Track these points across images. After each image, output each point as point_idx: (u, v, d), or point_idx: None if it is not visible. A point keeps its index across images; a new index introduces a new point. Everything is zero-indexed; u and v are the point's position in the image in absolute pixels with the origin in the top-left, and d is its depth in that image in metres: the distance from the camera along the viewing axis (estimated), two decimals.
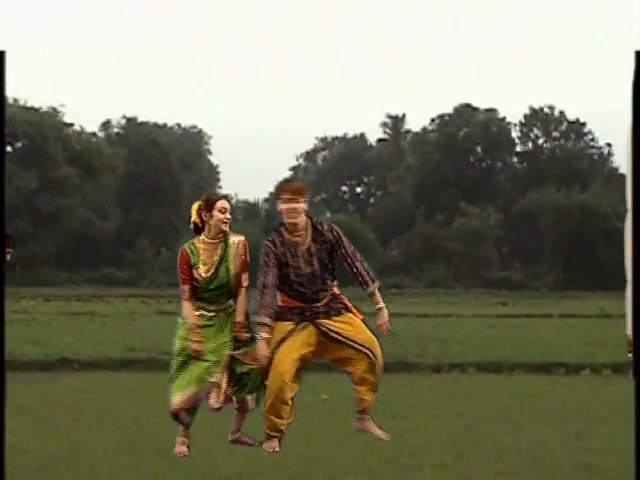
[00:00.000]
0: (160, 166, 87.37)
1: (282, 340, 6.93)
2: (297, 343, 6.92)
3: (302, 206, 6.99)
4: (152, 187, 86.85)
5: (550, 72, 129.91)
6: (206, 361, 6.93)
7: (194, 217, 7.12)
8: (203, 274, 6.98)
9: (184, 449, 7.00)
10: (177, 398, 6.95)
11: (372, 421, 6.98)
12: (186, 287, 7.08)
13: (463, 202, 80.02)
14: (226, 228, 7.01)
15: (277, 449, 6.83)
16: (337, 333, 6.98)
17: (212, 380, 6.90)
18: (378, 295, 6.97)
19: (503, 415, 11.01)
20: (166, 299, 47.51)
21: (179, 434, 7.04)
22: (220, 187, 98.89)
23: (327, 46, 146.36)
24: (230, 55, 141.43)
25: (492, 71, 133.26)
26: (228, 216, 7.02)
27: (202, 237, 7.07)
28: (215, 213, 6.98)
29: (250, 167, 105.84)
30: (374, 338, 6.96)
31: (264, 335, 6.81)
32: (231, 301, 7.04)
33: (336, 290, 7.11)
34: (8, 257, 8.36)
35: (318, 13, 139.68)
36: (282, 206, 6.97)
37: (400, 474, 6.96)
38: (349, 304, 7.14)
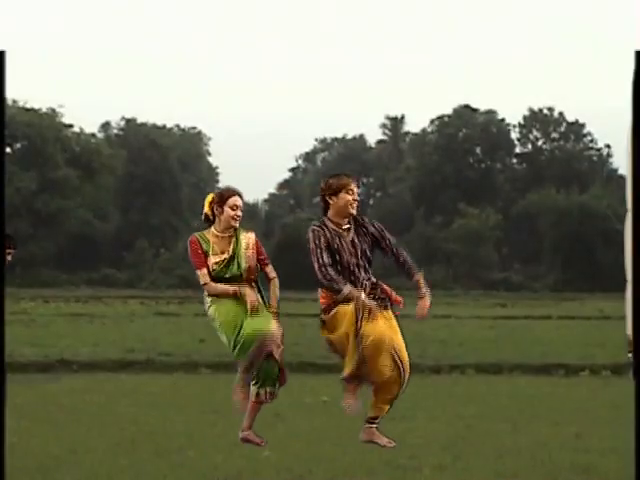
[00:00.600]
0: (159, 167, 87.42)
1: (358, 321, 7.01)
2: (377, 321, 7.00)
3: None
4: (151, 188, 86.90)
5: (549, 73, 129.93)
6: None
7: (206, 209, 7.20)
8: (214, 265, 7.02)
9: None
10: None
11: (378, 431, 7.05)
12: (204, 270, 7.02)
13: (462, 203, 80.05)
14: (236, 224, 7.10)
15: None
16: None
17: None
18: (423, 282, 7.06)
19: (503, 416, 11.01)
20: (165, 300, 47.51)
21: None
22: (219, 188, 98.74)
23: (326, 47, 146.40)
24: (229, 56, 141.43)
25: (491, 72, 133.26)
26: (239, 213, 7.11)
27: (212, 230, 7.14)
28: (226, 209, 7.06)
29: (249, 168, 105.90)
30: (405, 349, 7.06)
31: (359, 294, 6.86)
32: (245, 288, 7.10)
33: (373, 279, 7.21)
34: (9, 258, 8.35)
35: (317, 15, 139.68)
36: (348, 197, 7.12)
37: (399, 475, 6.96)
38: (389, 290, 7.23)
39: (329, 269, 6.98)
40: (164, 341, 20.88)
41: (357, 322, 6.97)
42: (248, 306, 6.91)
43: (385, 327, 6.97)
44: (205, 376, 15.64)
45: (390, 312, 7.16)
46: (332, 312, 7.01)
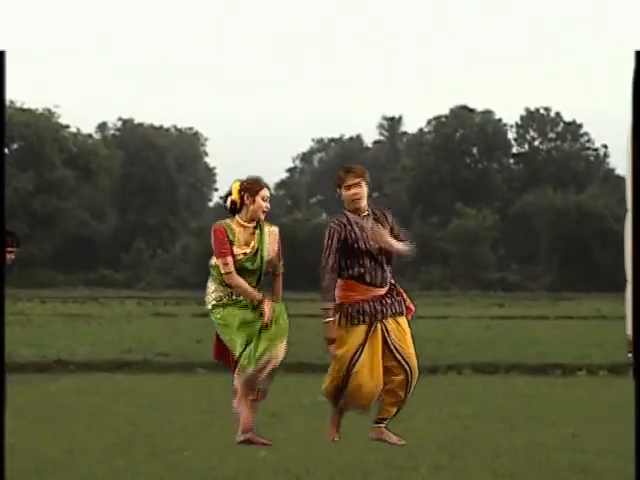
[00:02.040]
0: (156, 168, 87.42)
1: (361, 347, 7.02)
2: (376, 349, 7.04)
3: (365, 190, 7.09)
4: (148, 189, 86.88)
5: (546, 73, 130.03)
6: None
7: (235, 196, 7.12)
8: (240, 256, 6.99)
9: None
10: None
11: (387, 429, 7.13)
12: (229, 258, 6.96)
13: (459, 203, 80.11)
14: (263, 217, 7.10)
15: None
16: (393, 342, 7.08)
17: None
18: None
19: (499, 416, 11.01)
20: (162, 301, 47.49)
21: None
22: (216, 189, 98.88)
23: (323, 48, 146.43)
24: (226, 57, 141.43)
25: (488, 73, 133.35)
26: (268, 205, 7.13)
27: (237, 219, 7.08)
28: (258, 199, 7.05)
29: (246, 168, 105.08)
30: (414, 353, 7.08)
31: (331, 318, 6.94)
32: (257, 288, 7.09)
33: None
34: (12, 256, 8.32)
35: (314, 15, 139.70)
36: (348, 193, 7.12)
37: (397, 475, 6.96)
38: (404, 294, 7.27)
39: (329, 278, 6.98)
40: (161, 342, 20.87)
41: (354, 354, 7.00)
42: (265, 319, 6.90)
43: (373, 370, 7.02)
44: (202, 377, 15.63)
45: (404, 318, 7.17)
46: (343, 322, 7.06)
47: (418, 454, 7.59)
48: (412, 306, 7.26)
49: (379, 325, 7.04)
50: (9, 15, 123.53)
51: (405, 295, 7.27)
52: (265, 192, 7.11)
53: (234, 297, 6.99)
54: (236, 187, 7.12)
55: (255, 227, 7.08)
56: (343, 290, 7.05)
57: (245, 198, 7.06)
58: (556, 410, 11.75)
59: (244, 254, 7.00)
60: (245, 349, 6.92)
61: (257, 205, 7.03)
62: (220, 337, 7.07)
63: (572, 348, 20.31)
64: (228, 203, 7.16)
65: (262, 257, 7.05)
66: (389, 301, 7.09)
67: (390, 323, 7.08)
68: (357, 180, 7.06)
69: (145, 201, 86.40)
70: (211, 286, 7.07)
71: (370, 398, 7.13)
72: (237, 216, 7.08)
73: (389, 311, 7.08)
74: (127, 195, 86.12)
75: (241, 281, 6.92)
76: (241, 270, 6.96)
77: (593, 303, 46.26)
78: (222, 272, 6.93)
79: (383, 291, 7.08)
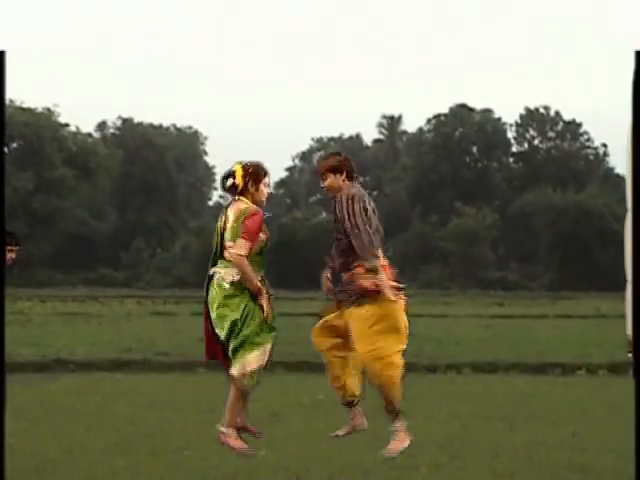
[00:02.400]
0: (156, 167, 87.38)
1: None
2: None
3: (329, 182, 7.11)
4: (148, 188, 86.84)
5: (546, 73, 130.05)
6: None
7: (239, 180, 7.08)
8: (264, 242, 7.00)
9: None
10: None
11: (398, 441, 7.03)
12: (252, 245, 6.94)
13: (459, 202, 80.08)
14: (264, 202, 7.13)
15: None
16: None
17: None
18: None
19: (499, 415, 11.01)
20: (162, 300, 47.47)
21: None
22: (216, 188, 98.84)
23: (323, 47, 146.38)
24: (226, 56, 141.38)
25: (488, 72, 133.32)
26: (270, 190, 7.18)
27: (250, 203, 7.08)
28: (261, 187, 7.06)
29: None
30: (373, 351, 6.77)
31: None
32: None
33: (361, 269, 6.91)
34: (13, 255, 8.32)
35: (314, 14, 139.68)
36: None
37: (396, 474, 6.96)
38: (374, 286, 6.86)
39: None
40: (161, 341, 20.87)
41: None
42: (265, 315, 6.85)
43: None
44: (202, 376, 15.62)
45: (369, 306, 6.90)
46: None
47: (418, 453, 7.58)
48: (393, 299, 6.97)
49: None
50: (9, 15, 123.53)
51: (374, 287, 7.02)
52: (267, 179, 7.15)
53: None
54: (239, 171, 7.08)
55: None
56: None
57: (249, 184, 7.07)
58: (556, 409, 11.76)
59: (265, 240, 7.04)
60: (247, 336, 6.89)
61: (261, 192, 7.06)
62: (217, 332, 6.98)
63: (572, 347, 20.31)
64: (228, 184, 7.14)
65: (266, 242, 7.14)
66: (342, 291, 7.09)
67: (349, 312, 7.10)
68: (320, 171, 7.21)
69: (145, 200, 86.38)
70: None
71: None
72: (243, 199, 7.07)
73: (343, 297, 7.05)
74: (127, 194, 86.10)
75: (249, 270, 6.90)
76: (258, 254, 6.97)
77: (592, 302, 46.24)
78: (238, 253, 6.84)
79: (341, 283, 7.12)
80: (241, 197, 7.03)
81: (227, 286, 6.86)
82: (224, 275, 6.88)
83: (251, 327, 6.79)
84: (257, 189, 7.03)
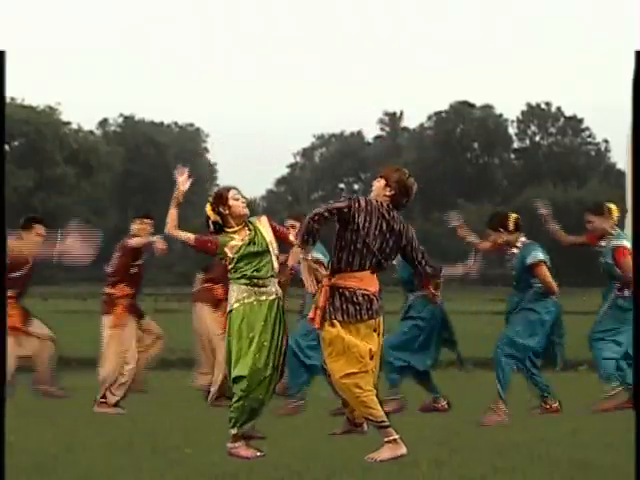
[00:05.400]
0: (157, 164, 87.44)
1: None
2: None
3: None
4: (149, 185, 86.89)
5: (547, 68, 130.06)
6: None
7: (212, 216, 7.17)
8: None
9: None
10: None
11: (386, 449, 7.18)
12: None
13: (460, 199, 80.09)
14: (247, 211, 7.17)
15: None
16: None
17: None
18: None
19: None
20: (164, 297, 47.45)
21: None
22: (217, 185, 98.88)
23: (324, 44, 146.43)
24: (227, 53, 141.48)
25: (489, 68, 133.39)
26: (243, 199, 7.20)
27: (230, 233, 7.13)
28: (231, 202, 7.10)
29: (247, 165, 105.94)
30: (330, 376, 7.33)
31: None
32: None
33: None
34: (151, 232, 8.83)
35: (316, 11, 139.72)
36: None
37: (397, 470, 6.95)
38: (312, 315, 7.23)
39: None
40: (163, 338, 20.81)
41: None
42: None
43: None
44: None
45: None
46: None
47: (418, 449, 7.58)
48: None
49: None
50: (9, 14, 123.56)
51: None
52: (232, 193, 7.20)
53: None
54: (209, 209, 7.25)
55: (244, 225, 7.17)
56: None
57: (221, 210, 7.13)
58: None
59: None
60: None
61: (235, 207, 7.12)
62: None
63: (573, 343, 20.26)
64: (211, 225, 7.25)
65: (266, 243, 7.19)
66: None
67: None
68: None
69: (146, 198, 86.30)
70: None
71: None
72: (226, 229, 7.18)
73: None
74: (128, 192, 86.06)
75: None
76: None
77: (594, 298, 46.12)
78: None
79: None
80: (225, 228, 7.13)
81: None
82: None
83: None
84: (229, 208, 7.10)
